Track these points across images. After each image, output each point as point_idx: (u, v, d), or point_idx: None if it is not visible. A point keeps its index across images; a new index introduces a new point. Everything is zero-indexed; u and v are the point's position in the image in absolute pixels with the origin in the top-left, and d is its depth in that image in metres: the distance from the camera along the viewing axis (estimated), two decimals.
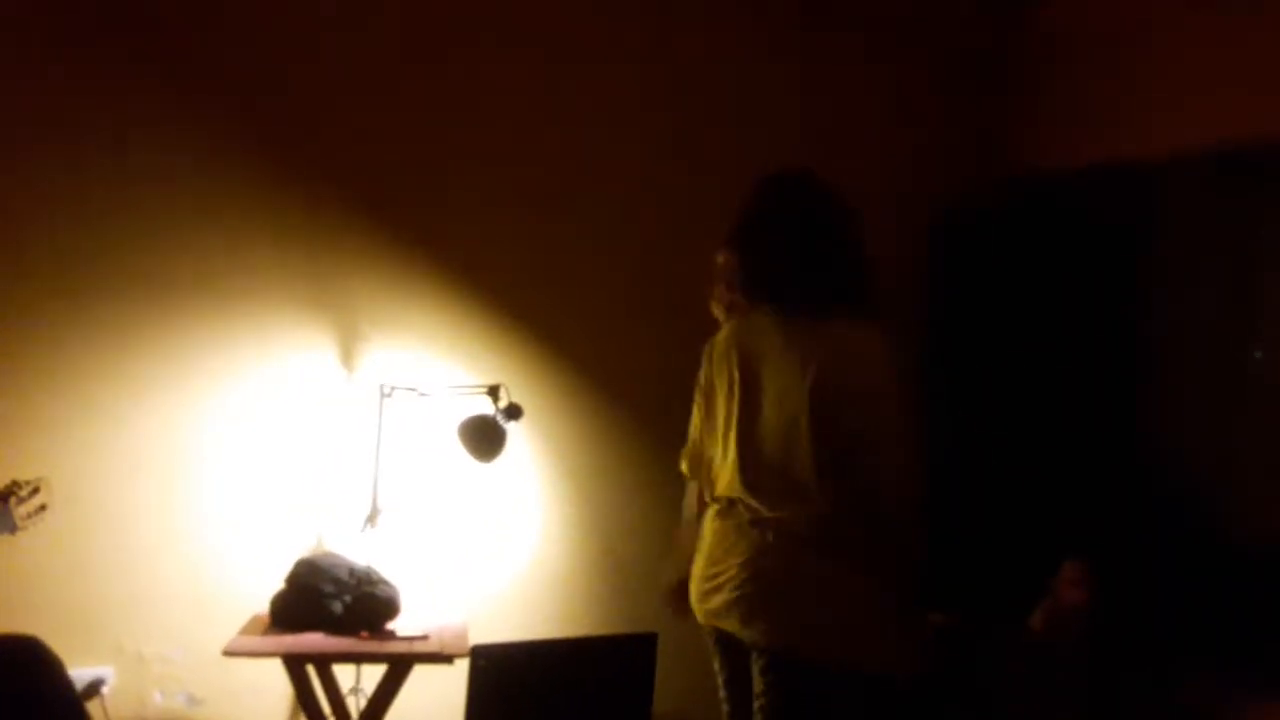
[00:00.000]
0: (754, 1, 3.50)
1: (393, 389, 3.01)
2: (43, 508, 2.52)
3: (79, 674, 2.59)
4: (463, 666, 2.61)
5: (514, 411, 2.94)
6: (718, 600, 2.23)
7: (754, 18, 3.50)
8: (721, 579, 2.23)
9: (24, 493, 2.47)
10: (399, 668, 2.61)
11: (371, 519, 2.97)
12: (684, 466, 2.48)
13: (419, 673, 2.64)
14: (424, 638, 2.67)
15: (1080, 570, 2.91)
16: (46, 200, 2.87)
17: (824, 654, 2.12)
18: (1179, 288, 3.57)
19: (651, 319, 3.30)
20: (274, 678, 2.71)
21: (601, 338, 3.32)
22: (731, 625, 2.22)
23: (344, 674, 2.84)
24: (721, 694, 2.39)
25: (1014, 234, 3.46)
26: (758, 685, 2.20)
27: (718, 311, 2.43)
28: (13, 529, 2.41)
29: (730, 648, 2.29)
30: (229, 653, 2.50)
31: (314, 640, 2.59)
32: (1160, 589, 3.16)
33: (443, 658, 2.60)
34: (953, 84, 3.71)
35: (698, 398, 2.39)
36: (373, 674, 2.70)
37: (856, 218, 2.27)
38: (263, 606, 2.74)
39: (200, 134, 2.97)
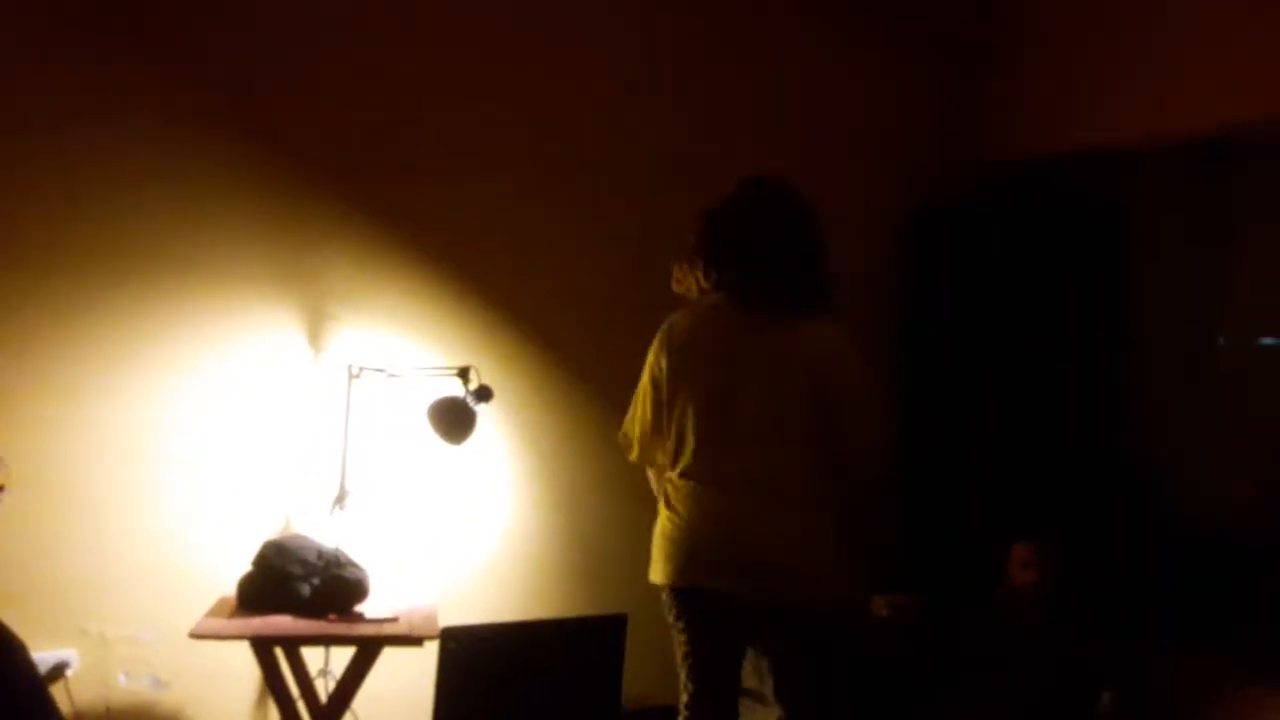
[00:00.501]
0: None
1: (361, 370, 2.99)
2: (0, 488, 2.47)
3: (42, 657, 2.55)
4: (432, 649, 2.61)
5: (484, 393, 2.92)
6: (711, 562, 2.36)
7: (738, 5, 3.50)
8: (715, 542, 2.35)
9: None
10: (368, 650, 2.60)
11: (340, 500, 2.95)
12: (634, 455, 2.61)
13: (388, 655, 2.63)
14: (393, 620, 2.66)
15: (1030, 551, 2.95)
16: (34, 186, 2.81)
17: (818, 598, 2.35)
18: (1157, 273, 3.61)
19: (620, 301, 3.29)
20: (242, 660, 2.69)
21: (571, 320, 3.32)
22: (727, 584, 2.34)
23: (312, 656, 2.82)
24: (690, 662, 2.43)
25: (993, 220, 3.49)
26: (773, 644, 2.41)
27: (680, 289, 2.53)
28: None
29: (714, 610, 2.38)
30: (196, 635, 2.48)
31: (282, 623, 2.57)
32: (1134, 572, 3.23)
33: (412, 640, 2.59)
34: (932, 70, 3.73)
35: (649, 384, 2.50)
36: (341, 656, 2.69)
37: (821, 222, 2.44)
38: (230, 588, 2.72)
39: (162, 108, 2.91)
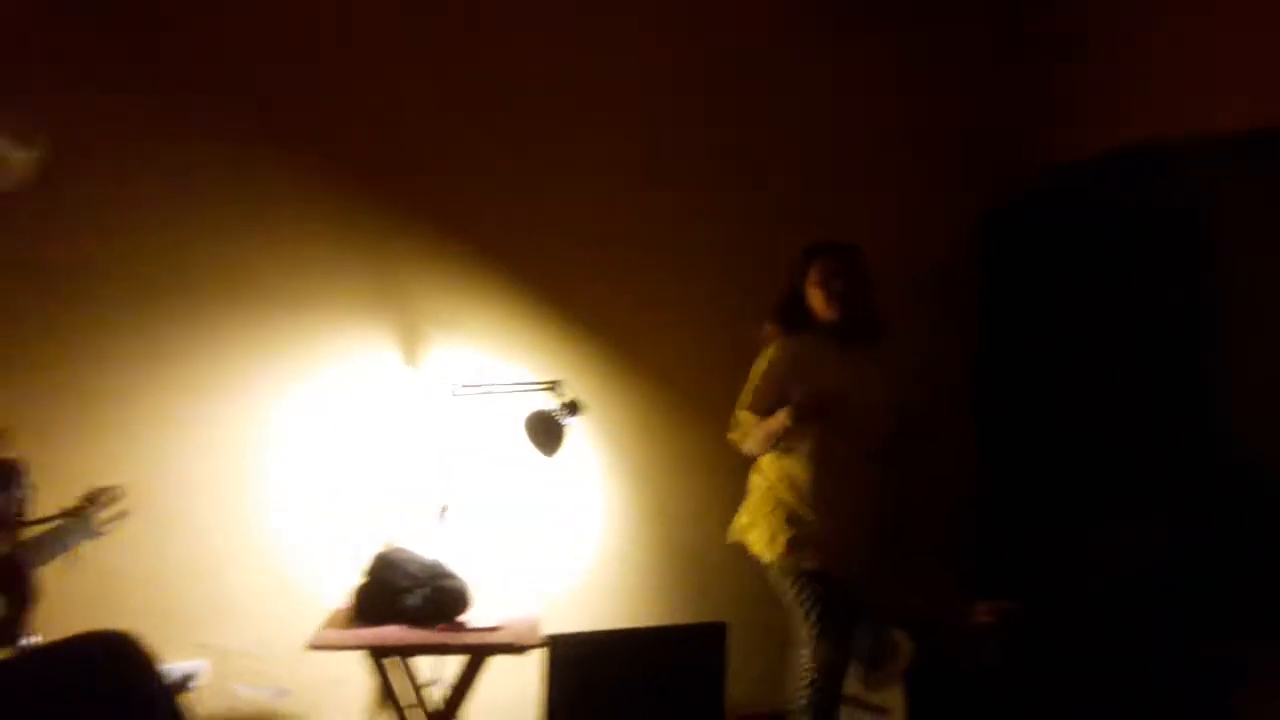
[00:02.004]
0: None
1: (456, 387, 3.07)
2: (122, 513, 2.59)
3: (171, 669, 2.66)
4: (533, 658, 2.66)
5: (574, 407, 2.99)
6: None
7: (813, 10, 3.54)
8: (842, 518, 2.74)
9: (104, 499, 2.55)
10: (476, 659, 2.66)
11: (441, 513, 3.03)
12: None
13: (492, 663, 2.69)
14: (498, 629, 2.72)
15: (992, 611, 3.04)
16: (121, 214, 2.96)
17: None
18: (1236, 271, 3.52)
19: (704, 312, 3.35)
20: (352, 670, 2.77)
21: (657, 331, 3.37)
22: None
23: (419, 665, 2.89)
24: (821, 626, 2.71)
25: (1064, 219, 3.45)
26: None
27: (769, 333, 2.89)
28: (95, 535, 2.49)
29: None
30: (316, 646, 2.56)
31: (395, 633, 2.65)
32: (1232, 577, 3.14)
33: (518, 648, 2.65)
34: (999, 68, 3.70)
35: (766, 381, 2.81)
36: (446, 665, 2.76)
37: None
38: (338, 601, 2.81)
39: (265, 148, 3.06)
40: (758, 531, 2.84)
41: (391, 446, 3.14)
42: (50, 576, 2.35)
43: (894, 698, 2.92)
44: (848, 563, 2.78)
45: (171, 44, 3.00)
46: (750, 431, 2.81)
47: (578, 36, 3.33)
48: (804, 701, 2.76)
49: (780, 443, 2.77)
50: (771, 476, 2.84)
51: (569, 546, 3.29)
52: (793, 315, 2.86)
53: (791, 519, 2.78)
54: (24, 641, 2.42)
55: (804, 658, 2.77)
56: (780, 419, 2.71)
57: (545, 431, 2.97)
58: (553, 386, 3.01)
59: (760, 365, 2.84)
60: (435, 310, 3.20)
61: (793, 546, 2.77)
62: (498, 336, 3.24)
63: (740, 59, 3.47)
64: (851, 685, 2.78)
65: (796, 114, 3.49)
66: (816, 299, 2.82)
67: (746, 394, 2.84)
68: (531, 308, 3.27)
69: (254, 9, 3.06)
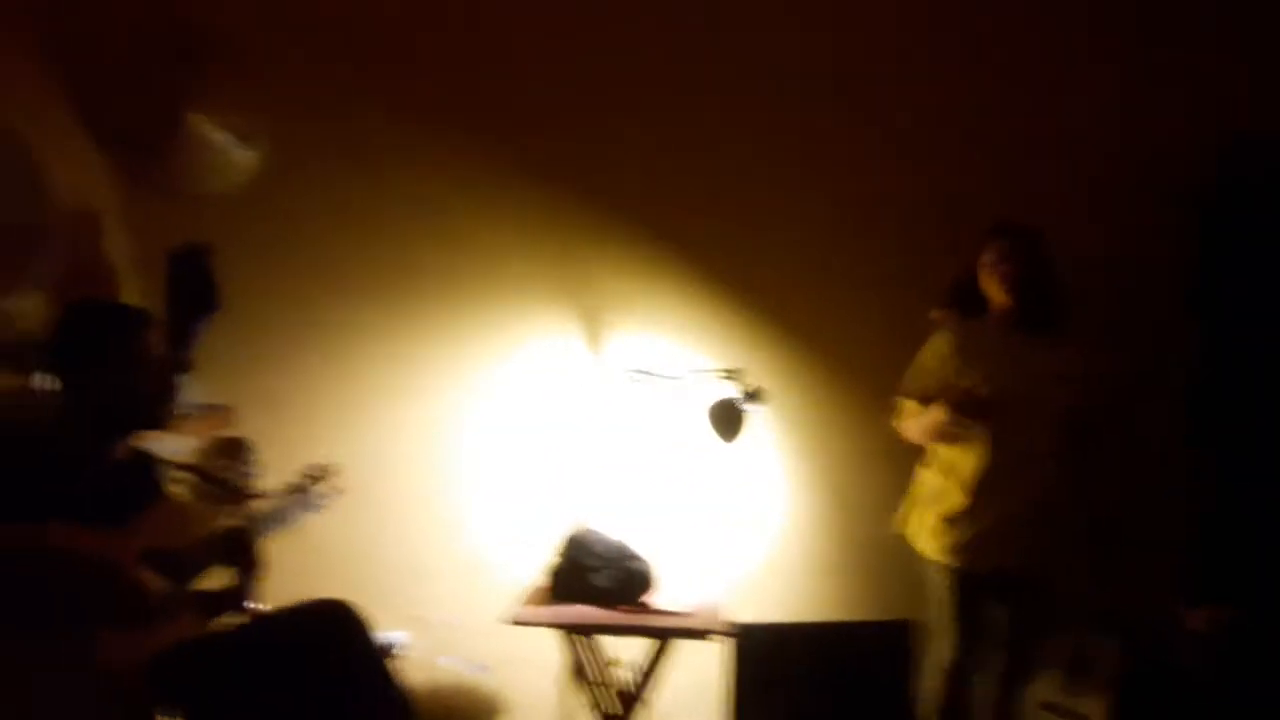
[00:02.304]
0: None
1: (638, 373, 3.11)
2: (338, 489, 2.71)
3: (379, 637, 2.81)
4: (710, 646, 2.67)
5: (755, 394, 2.97)
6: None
7: None
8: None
9: (323, 475, 2.67)
10: (664, 642, 2.69)
11: (624, 496, 3.09)
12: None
13: (676, 646, 2.72)
14: (690, 614, 2.74)
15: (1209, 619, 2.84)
16: (329, 211, 3.14)
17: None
18: None
19: (889, 298, 3.26)
20: (541, 646, 2.83)
21: (841, 317, 3.31)
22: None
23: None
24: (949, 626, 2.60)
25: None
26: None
27: (937, 317, 2.80)
28: (314, 509, 2.63)
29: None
30: (518, 622, 2.65)
31: (590, 612, 2.72)
32: None
33: (708, 634, 2.67)
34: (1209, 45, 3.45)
35: (929, 367, 2.72)
36: (626, 646, 2.79)
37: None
38: (527, 579, 2.90)
39: (458, 145, 3.18)
40: (913, 525, 2.77)
41: (578, 430, 3.21)
42: (272, 548, 2.51)
43: (1096, 706, 2.79)
44: (1011, 565, 2.65)
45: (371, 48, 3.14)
46: (908, 421, 2.73)
47: (760, 26, 3.29)
48: (927, 703, 2.68)
49: (942, 436, 2.66)
50: (935, 469, 2.74)
51: (749, 534, 3.29)
52: (965, 299, 2.73)
53: (951, 517, 2.67)
54: (252, 607, 2.60)
55: (931, 654, 2.69)
56: (936, 415, 2.60)
57: (727, 419, 2.97)
58: (734, 374, 3.00)
59: (926, 350, 2.74)
60: (617, 296, 3.25)
61: (945, 544, 2.67)
62: (680, 323, 3.26)
63: (926, 40, 3.35)
64: (1051, 691, 2.67)
65: (990, 94, 3.36)
66: (989, 283, 2.69)
67: (909, 378, 2.76)
68: (715, 294, 3.27)
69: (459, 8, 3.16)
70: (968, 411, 2.56)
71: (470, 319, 3.20)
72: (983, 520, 2.64)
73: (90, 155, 2.88)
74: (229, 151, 2.96)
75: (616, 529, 3.01)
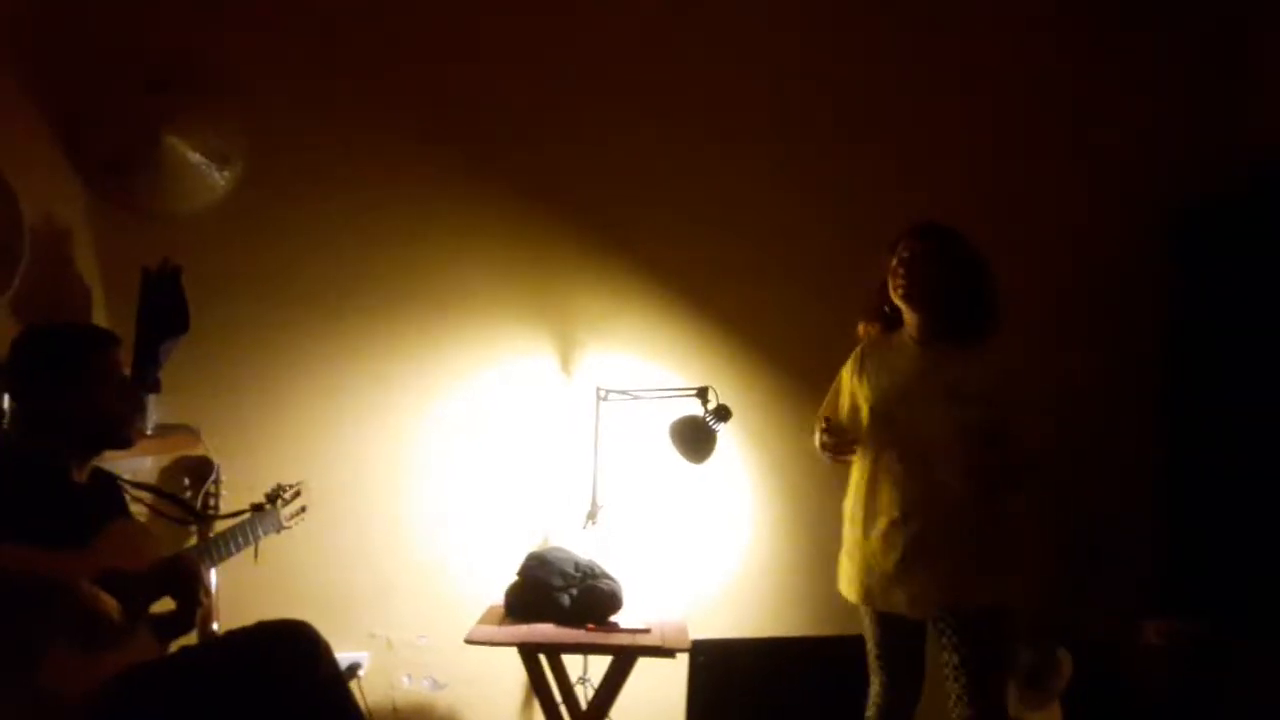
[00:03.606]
0: None
1: (608, 392, 3.13)
2: (303, 509, 2.75)
3: (339, 658, 2.82)
4: (679, 661, 2.68)
5: (723, 413, 2.98)
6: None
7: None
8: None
9: (288, 495, 2.71)
10: (624, 659, 2.71)
11: (591, 516, 3.11)
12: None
13: (640, 663, 2.72)
14: (646, 631, 2.76)
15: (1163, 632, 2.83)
16: (298, 226, 3.16)
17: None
18: None
19: (852, 319, 3.28)
20: (508, 665, 2.85)
21: (805, 338, 3.32)
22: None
23: (570, 663, 2.97)
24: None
25: (1258, 216, 3.22)
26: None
27: (859, 331, 2.62)
28: (279, 529, 2.66)
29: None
30: (471, 641, 2.67)
31: (547, 631, 2.73)
32: None
33: (665, 651, 2.68)
34: (1190, 65, 3.49)
35: (837, 383, 2.60)
36: (596, 664, 2.82)
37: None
38: (494, 598, 2.92)
39: (435, 161, 3.21)
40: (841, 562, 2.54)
41: (546, 448, 3.23)
42: (232, 567, 2.51)
43: (1052, 717, 2.81)
44: (936, 603, 2.33)
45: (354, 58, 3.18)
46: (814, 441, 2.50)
47: (741, 44, 3.34)
48: None
49: (830, 457, 2.45)
50: (849, 498, 2.51)
51: (714, 552, 3.31)
52: (877, 309, 2.49)
53: (850, 551, 2.47)
54: (210, 630, 2.62)
55: (871, 685, 2.50)
56: (816, 435, 2.44)
57: (694, 438, 2.98)
58: (702, 393, 3.02)
59: (844, 366, 2.58)
60: (588, 317, 3.28)
61: (854, 582, 2.44)
62: (648, 342, 3.29)
63: (904, 54, 3.41)
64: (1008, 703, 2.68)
65: (964, 111, 3.41)
66: (892, 292, 2.40)
67: (828, 396, 2.61)
68: (682, 314, 3.30)
69: (429, 27, 3.20)
70: (833, 436, 2.40)
71: (437, 339, 3.22)
72: (886, 557, 2.37)
73: (61, 174, 2.91)
74: (201, 172, 2.98)
75: (582, 547, 3.04)
